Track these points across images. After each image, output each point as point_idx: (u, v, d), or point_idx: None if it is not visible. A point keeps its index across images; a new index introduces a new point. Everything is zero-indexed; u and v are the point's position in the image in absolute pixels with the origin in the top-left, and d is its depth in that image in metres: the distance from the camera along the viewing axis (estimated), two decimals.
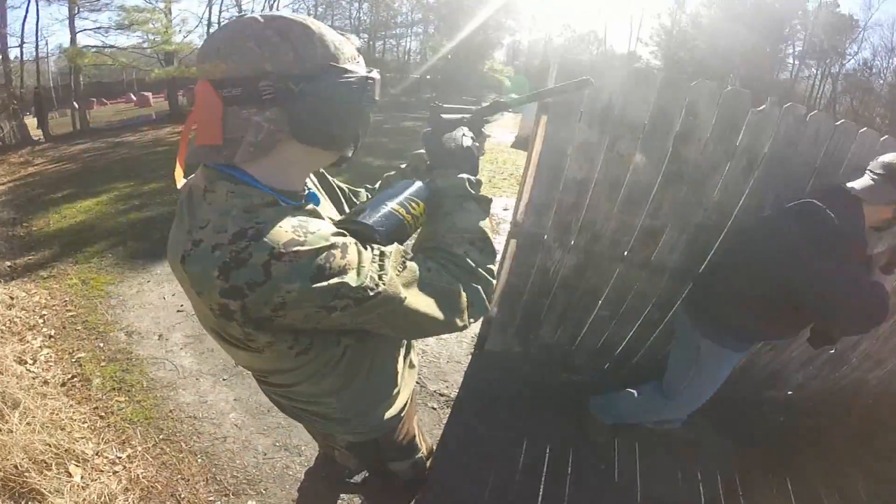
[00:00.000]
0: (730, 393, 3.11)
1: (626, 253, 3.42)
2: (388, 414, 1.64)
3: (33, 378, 3.86)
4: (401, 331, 1.18)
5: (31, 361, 4.09)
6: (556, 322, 3.90)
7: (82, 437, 3.33)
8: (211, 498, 3.07)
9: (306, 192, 1.30)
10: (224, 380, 4.06)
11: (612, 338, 3.96)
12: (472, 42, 38.99)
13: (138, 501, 2.97)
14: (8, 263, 6.10)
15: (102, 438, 3.39)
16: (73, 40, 23.10)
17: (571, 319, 3.88)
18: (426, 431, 3.55)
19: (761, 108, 2.92)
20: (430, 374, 4.15)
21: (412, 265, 1.16)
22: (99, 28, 23.44)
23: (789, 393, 4.09)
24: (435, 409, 3.80)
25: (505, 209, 8.37)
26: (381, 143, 16.10)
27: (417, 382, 3.95)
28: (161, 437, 3.48)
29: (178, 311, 5.03)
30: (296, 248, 0.97)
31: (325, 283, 0.98)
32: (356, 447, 1.76)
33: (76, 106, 22.71)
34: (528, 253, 3.51)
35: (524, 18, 44.37)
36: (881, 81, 44.71)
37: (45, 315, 4.88)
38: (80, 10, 22.98)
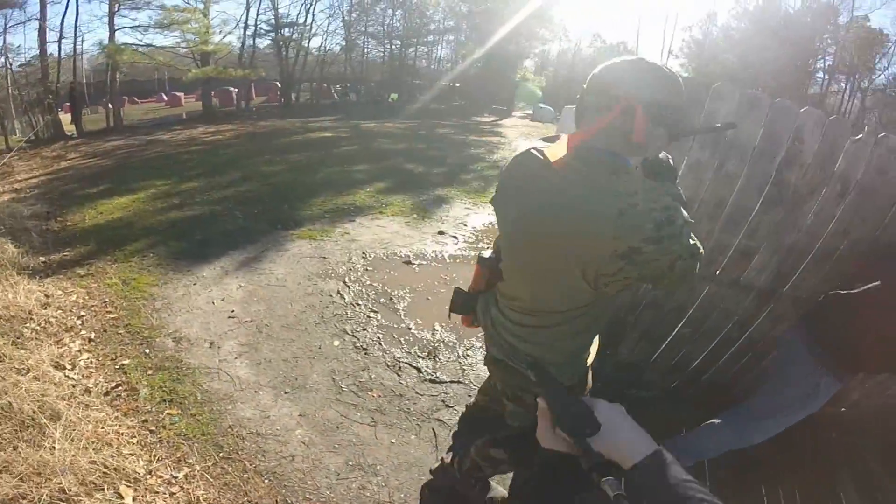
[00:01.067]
0: None
1: (717, 272, 3.47)
2: (590, 360, 2.00)
3: (73, 386, 3.50)
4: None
5: (69, 367, 3.72)
6: (637, 339, 3.91)
7: (132, 454, 3.01)
8: None
9: None
10: (286, 393, 3.76)
11: (687, 355, 3.99)
12: (504, 51, 39.33)
13: None
14: (42, 259, 5.74)
15: (154, 456, 3.07)
16: (111, 37, 23.13)
17: (652, 336, 3.91)
18: None
19: (859, 136, 3.12)
20: None
21: None
22: (138, 26, 23.53)
23: (843, 409, 3.98)
24: None
25: None
26: (419, 149, 15.98)
27: None
28: (221, 455, 3.18)
29: (229, 316, 4.67)
30: (687, 219, 1.50)
31: (693, 244, 1.52)
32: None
33: (110, 104, 22.60)
34: None
35: (556, 28, 44.18)
36: None
37: (83, 316, 4.51)
38: (121, 6, 22.95)
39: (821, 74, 47.48)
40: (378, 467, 3.17)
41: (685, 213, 1.53)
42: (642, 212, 1.43)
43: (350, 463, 3.19)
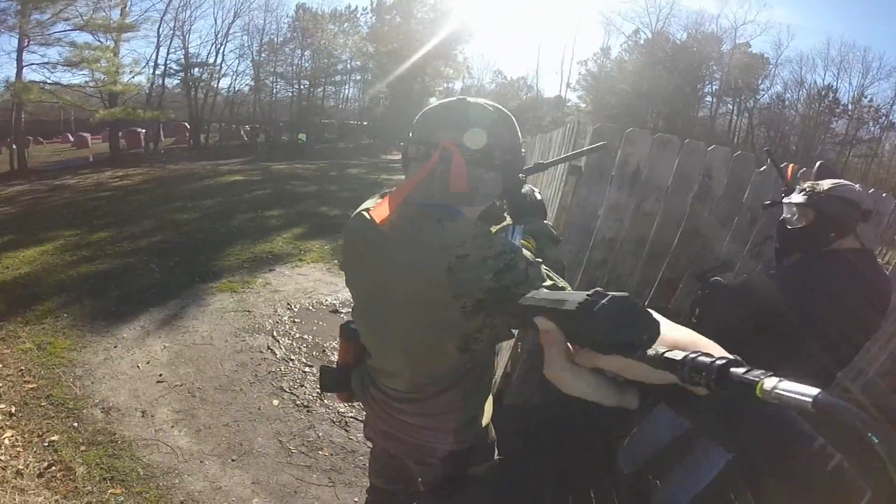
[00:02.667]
0: None
1: (646, 303, 3.43)
2: (485, 420, 1.90)
3: (2, 468, 3.29)
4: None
5: None
6: None
7: None
8: None
9: None
10: (233, 460, 3.62)
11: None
12: (409, 89, 40.17)
13: None
14: None
15: None
16: (18, 74, 22.20)
17: None
18: None
19: (762, 168, 3.52)
20: None
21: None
22: (46, 63, 22.60)
23: None
24: None
25: None
26: (332, 191, 16.04)
27: None
28: None
29: (157, 381, 4.48)
30: (535, 259, 1.35)
31: (551, 284, 1.31)
32: (452, 456, 1.85)
33: (14, 144, 21.70)
34: None
35: (460, 66, 45.46)
36: (793, 112, 48.69)
37: None
38: (31, 42, 22.10)
39: (709, 98, 51.15)
40: None
41: (528, 254, 1.37)
42: (474, 262, 1.31)
43: None
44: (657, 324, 0.80)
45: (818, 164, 2.90)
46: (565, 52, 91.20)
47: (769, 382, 0.63)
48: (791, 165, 3.11)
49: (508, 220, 1.85)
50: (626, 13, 53.69)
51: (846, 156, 45.86)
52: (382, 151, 34.89)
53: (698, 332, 0.99)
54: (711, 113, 51.11)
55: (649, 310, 0.80)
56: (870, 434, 0.59)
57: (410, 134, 1.59)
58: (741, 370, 0.67)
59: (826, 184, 2.48)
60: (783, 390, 0.61)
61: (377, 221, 1.42)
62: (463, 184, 1.45)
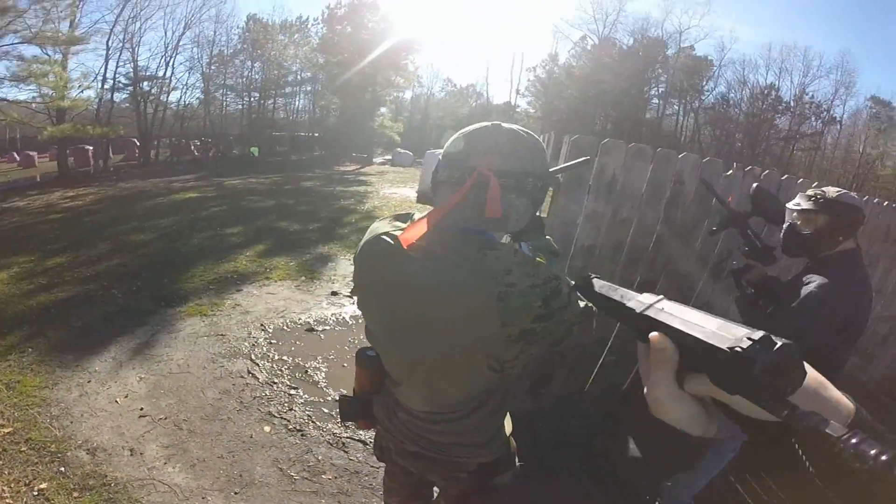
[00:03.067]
0: None
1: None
2: (509, 430, 1.96)
3: None
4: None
5: None
6: (566, 374, 4.21)
7: None
8: None
9: None
10: (236, 493, 3.52)
11: (616, 379, 4.43)
12: (361, 99, 40.25)
13: None
14: None
15: None
16: None
17: (581, 370, 4.29)
18: None
19: (729, 172, 3.82)
20: None
21: None
22: None
23: None
24: None
25: None
26: (289, 205, 15.88)
27: None
28: None
29: (140, 416, 4.29)
30: (569, 282, 1.39)
31: (585, 305, 1.41)
32: (481, 469, 1.90)
33: None
34: None
35: (410, 75, 45.66)
36: (738, 111, 50.97)
37: None
38: None
39: (656, 100, 53.24)
40: None
41: (566, 277, 1.44)
42: (523, 290, 1.35)
43: None
44: (805, 374, 0.66)
45: (754, 186, 3.11)
46: (514, 59, 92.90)
47: None
48: (731, 196, 3.55)
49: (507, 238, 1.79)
50: (573, 20, 54.83)
51: (790, 150, 47.51)
52: (335, 163, 34.62)
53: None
54: (659, 114, 52.82)
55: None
56: None
57: (439, 156, 1.58)
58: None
59: (832, 191, 2.71)
60: None
61: (405, 245, 1.42)
62: (498, 210, 1.43)
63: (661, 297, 0.84)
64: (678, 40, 50.20)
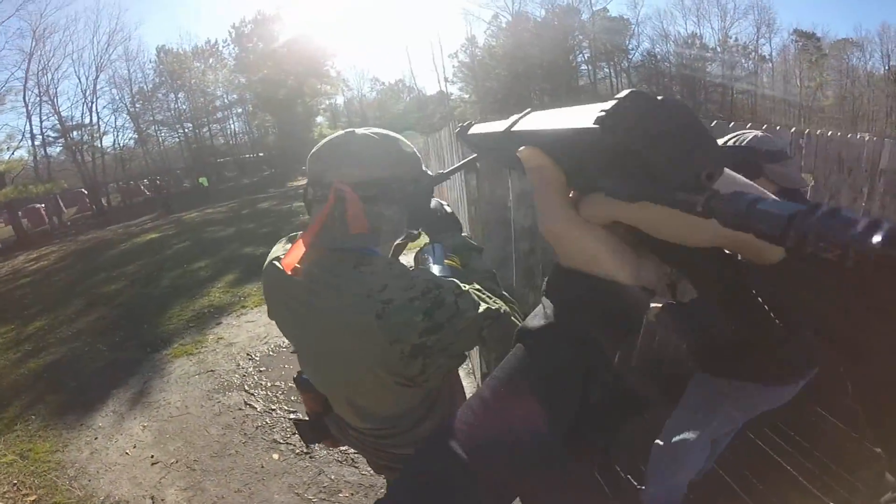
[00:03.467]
0: None
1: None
2: None
3: None
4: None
5: None
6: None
7: None
8: None
9: None
10: None
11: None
12: (293, 112, 40.08)
13: None
14: None
15: None
16: None
17: None
18: None
19: None
20: None
21: None
22: None
23: None
24: None
25: None
26: (250, 230, 15.96)
27: None
28: None
29: (152, 463, 4.48)
30: (463, 289, 1.34)
31: (485, 308, 1.33)
32: None
33: None
34: None
35: (336, 81, 45.52)
36: (667, 65, 51.84)
37: None
38: None
39: (585, 66, 53.77)
40: None
41: (456, 281, 1.36)
42: (402, 305, 1.28)
43: None
44: (722, 153, 0.46)
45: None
46: (433, 47, 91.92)
47: None
48: None
49: (425, 239, 1.77)
50: (482, 1, 54.69)
51: (731, 95, 48.04)
52: (287, 179, 34.52)
53: None
54: (592, 80, 53.01)
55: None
56: None
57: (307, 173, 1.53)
58: None
59: (748, 135, 2.48)
60: None
61: (287, 270, 1.38)
62: (363, 224, 1.38)
63: (529, 110, 0.65)
64: (590, 4, 50.77)
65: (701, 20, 48.53)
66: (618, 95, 0.44)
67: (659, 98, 0.43)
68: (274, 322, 1.72)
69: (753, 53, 48.50)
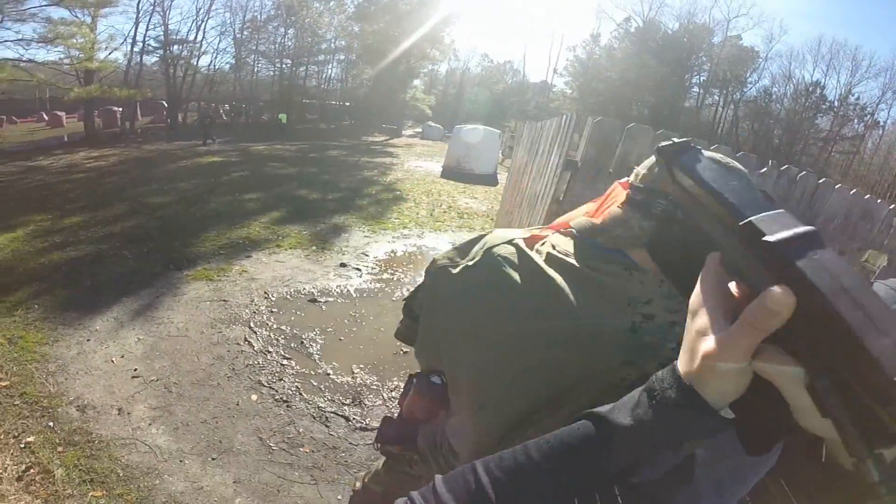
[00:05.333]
0: None
1: None
2: None
3: None
4: None
5: None
6: None
7: None
8: None
9: None
10: (213, 459, 3.57)
11: None
12: (394, 71, 39.86)
13: None
14: None
15: None
16: None
17: None
18: None
19: (763, 170, 3.52)
20: None
21: None
22: (20, 40, 21.87)
23: None
24: None
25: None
26: (312, 173, 15.87)
27: None
28: None
29: (133, 376, 4.39)
30: None
31: None
32: None
33: None
34: None
35: (446, 48, 45.07)
36: (779, 107, 50.09)
37: None
38: (5, 18, 21.41)
39: (696, 89, 52.39)
40: None
41: None
42: (661, 326, 1.10)
43: None
44: None
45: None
46: (554, 37, 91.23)
47: None
48: None
49: None
50: (618, 0, 53.63)
51: (829, 152, 46.50)
52: (364, 133, 34.61)
53: None
54: (698, 104, 52.15)
55: None
56: None
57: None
58: None
59: None
60: None
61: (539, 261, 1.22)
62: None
63: (811, 228, 0.52)
64: (725, 28, 49.59)
65: (830, 70, 47.10)
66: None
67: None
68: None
69: (869, 117, 46.83)
